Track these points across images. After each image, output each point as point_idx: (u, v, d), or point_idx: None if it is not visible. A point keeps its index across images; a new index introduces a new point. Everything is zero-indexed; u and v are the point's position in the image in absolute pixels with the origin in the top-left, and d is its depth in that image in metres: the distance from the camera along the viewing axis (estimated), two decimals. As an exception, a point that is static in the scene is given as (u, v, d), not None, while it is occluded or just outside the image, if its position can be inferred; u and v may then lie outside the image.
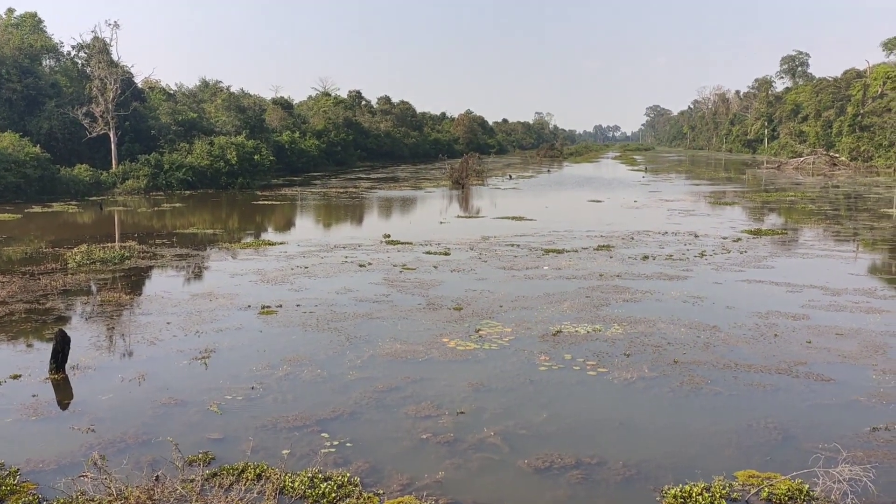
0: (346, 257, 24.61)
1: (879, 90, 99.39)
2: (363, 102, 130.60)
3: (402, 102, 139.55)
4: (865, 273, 22.88)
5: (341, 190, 55.66)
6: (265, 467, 9.05)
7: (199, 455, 9.49)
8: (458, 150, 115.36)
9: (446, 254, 25.40)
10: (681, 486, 8.70)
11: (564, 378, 12.68)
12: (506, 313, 17.01)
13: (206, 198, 47.91)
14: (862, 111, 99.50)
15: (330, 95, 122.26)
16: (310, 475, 8.86)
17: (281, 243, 28.07)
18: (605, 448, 9.93)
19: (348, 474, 8.96)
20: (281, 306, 17.56)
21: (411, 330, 15.61)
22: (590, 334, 15.26)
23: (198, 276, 22.02)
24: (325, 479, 8.80)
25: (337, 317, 16.66)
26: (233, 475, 8.84)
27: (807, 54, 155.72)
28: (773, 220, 37.34)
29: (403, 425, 10.67)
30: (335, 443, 10.04)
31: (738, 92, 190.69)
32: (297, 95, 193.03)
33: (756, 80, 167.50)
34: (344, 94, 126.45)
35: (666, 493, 8.62)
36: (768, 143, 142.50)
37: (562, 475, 9.20)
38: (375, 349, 14.22)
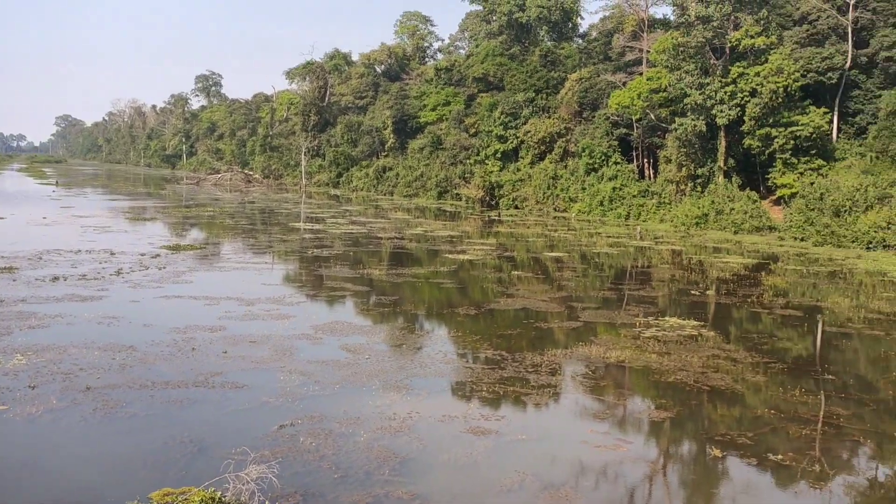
0: None
1: (285, 114, 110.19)
2: None
3: None
4: (278, 282, 24.88)
5: None
6: None
7: None
8: None
9: None
10: (91, 521, 8.14)
11: (-49, 425, 10.86)
12: None
13: None
14: (271, 132, 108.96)
15: None
16: None
17: None
18: (7, 494, 8.76)
19: None
20: None
21: None
22: (-14, 369, 13.39)
23: None
24: None
25: None
26: None
27: (220, 75, 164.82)
28: (193, 236, 38.16)
29: None
30: None
31: (154, 106, 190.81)
32: None
33: (173, 96, 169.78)
34: None
35: (74, 533, 7.98)
36: (187, 158, 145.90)
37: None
38: None
